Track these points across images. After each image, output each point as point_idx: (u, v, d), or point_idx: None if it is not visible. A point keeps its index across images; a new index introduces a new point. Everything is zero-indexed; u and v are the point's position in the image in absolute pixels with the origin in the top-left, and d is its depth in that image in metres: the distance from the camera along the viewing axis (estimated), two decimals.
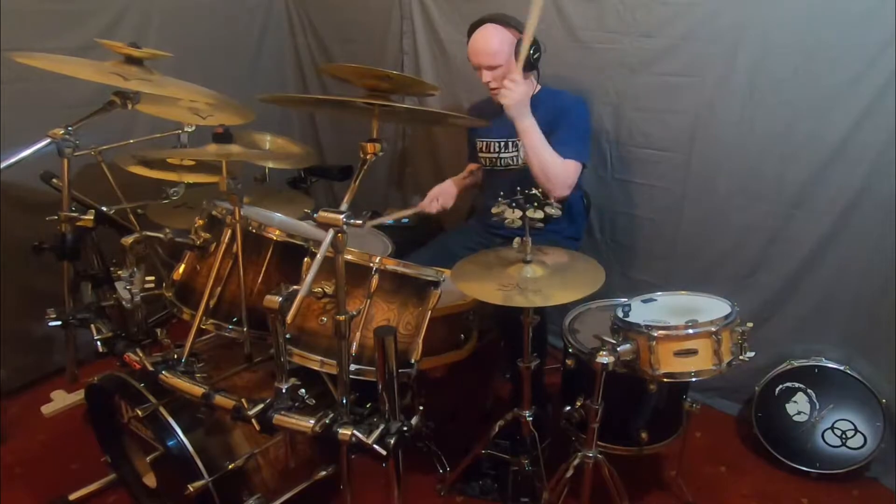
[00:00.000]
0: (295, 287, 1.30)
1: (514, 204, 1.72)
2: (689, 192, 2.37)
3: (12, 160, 1.69)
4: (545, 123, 2.11)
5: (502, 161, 2.35)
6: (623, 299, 1.83)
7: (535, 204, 1.71)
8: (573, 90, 2.42)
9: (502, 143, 2.33)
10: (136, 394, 1.69)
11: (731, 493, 2.13)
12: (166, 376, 1.59)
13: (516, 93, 2.03)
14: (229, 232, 1.64)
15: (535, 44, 2.15)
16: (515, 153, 2.31)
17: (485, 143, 2.39)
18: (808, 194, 2.12)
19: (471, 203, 2.77)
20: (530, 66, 2.17)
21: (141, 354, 1.67)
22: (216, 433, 1.71)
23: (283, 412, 1.41)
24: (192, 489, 1.58)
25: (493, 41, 2.16)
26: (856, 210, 2.05)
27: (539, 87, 2.32)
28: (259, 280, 1.65)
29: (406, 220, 2.70)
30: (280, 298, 1.28)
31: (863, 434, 2.11)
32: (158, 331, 1.79)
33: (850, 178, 2.03)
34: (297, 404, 1.44)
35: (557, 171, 2.10)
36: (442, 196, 2.49)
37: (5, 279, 2.49)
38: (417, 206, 2.53)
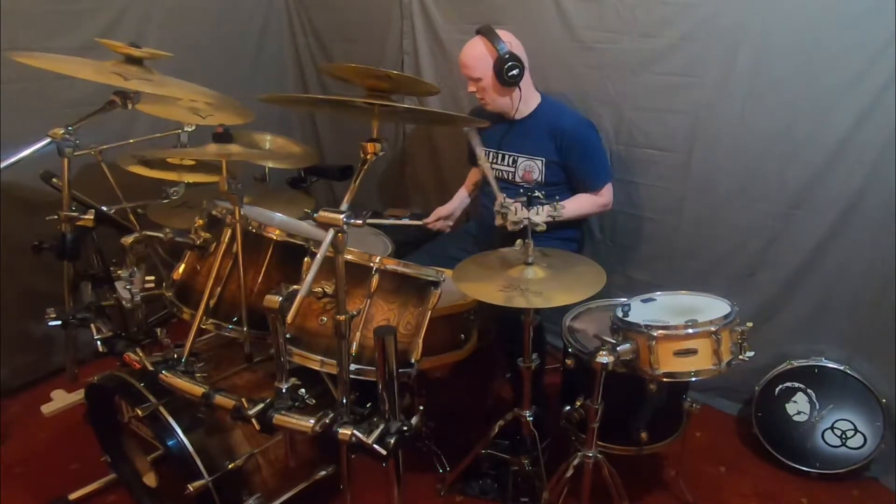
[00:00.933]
0: (295, 287, 1.30)
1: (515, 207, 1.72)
2: (689, 192, 2.37)
3: (12, 160, 1.68)
4: (545, 137, 2.12)
5: (496, 171, 2.36)
6: (623, 299, 1.83)
7: (537, 207, 1.71)
8: (573, 90, 2.42)
9: (495, 154, 2.34)
10: (136, 393, 1.70)
11: (731, 493, 2.13)
12: (166, 376, 1.59)
13: (519, 218, 1.83)
14: (229, 232, 1.64)
15: (511, 60, 2.14)
16: (512, 170, 2.31)
17: (482, 151, 2.39)
18: (808, 194, 2.12)
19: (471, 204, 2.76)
20: (508, 83, 2.17)
21: (141, 354, 1.67)
22: (216, 433, 1.71)
23: (283, 412, 1.41)
24: (192, 489, 1.59)
25: (471, 55, 2.19)
26: (856, 210, 2.06)
27: (539, 97, 2.32)
28: (259, 280, 1.65)
29: (405, 219, 2.72)
30: (280, 298, 1.27)
31: (863, 434, 2.11)
32: (158, 331, 1.78)
33: (850, 178, 2.03)
34: (297, 404, 1.44)
35: (600, 204, 2.30)
36: (448, 218, 2.53)
37: (5, 279, 2.49)
38: (421, 221, 2.56)
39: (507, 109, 2.28)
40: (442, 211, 2.53)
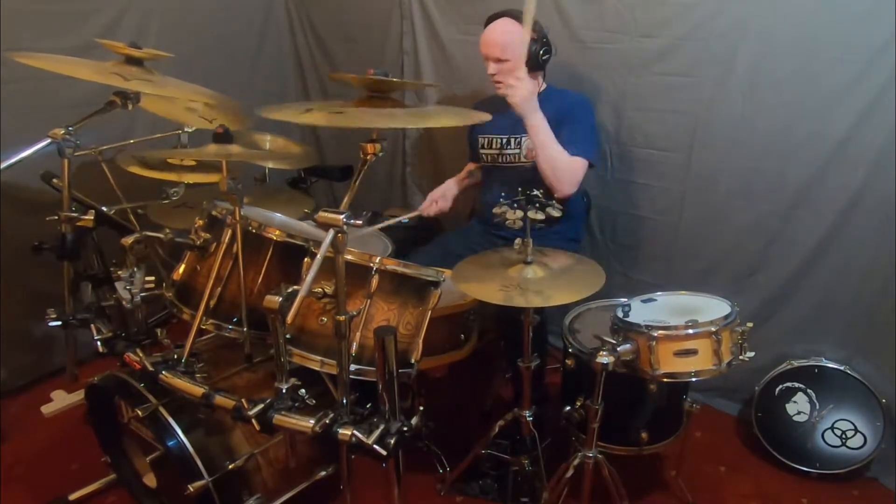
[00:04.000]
0: (295, 287, 1.30)
1: (515, 205, 1.72)
2: (689, 192, 2.37)
3: (12, 160, 1.68)
4: (551, 122, 2.11)
5: (505, 157, 2.35)
6: (623, 299, 1.83)
7: (537, 205, 1.71)
8: (573, 90, 2.42)
9: (505, 139, 2.33)
10: (136, 394, 1.70)
11: (731, 493, 2.13)
12: (166, 376, 1.59)
13: (522, 90, 2.01)
14: (229, 232, 1.64)
15: (546, 45, 2.15)
16: (518, 150, 2.31)
17: (487, 139, 2.38)
18: (808, 194, 2.12)
19: (472, 203, 2.77)
20: (538, 65, 2.17)
21: (141, 354, 1.67)
22: (216, 433, 1.71)
23: (283, 412, 1.41)
24: (192, 489, 1.59)
25: (505, 34, 2.14)
26: (856, 210, 2.06)
27: (544, 85, 2.32)
28: (259, 280, 1.65)
29: (406, 221, 2.71)
30: (280, 298, 1.28)
31: (863, 434, 2.11)
32: (158, 331, 1.79)
33: (850, 178, 2.03)
34: (297, 404, 1.44)
35: (565, 167, 2.10)
36: (441, 199, 2.48)
37: (5, 279, 2.49)
38: (416, 210, 2.54)
39: None
40: (434, 194, 2.49)
